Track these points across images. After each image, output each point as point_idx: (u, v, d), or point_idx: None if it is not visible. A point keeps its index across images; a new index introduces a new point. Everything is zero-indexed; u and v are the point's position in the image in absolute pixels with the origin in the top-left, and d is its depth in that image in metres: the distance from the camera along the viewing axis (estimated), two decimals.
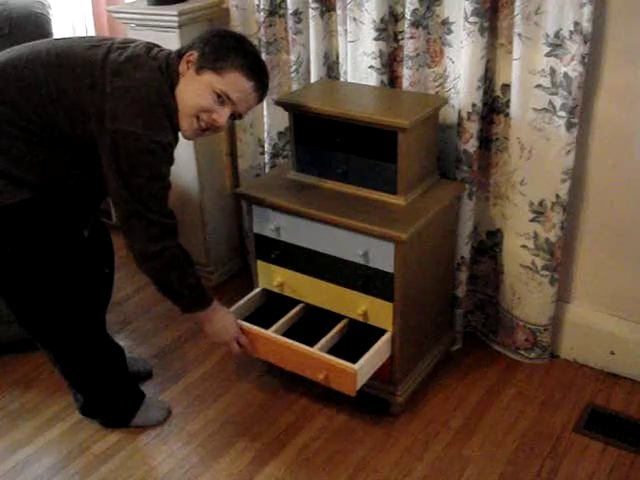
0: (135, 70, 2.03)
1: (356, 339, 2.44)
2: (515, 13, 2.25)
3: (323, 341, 2.38)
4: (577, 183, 2.45)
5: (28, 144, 2.03)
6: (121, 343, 2.51)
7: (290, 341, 2.36)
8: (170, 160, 2.10)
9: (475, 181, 2.54)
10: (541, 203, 2.45)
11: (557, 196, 2.40)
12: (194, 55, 2.09)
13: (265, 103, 2.86)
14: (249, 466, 2.35)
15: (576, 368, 2.70)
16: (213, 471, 2.34)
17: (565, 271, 2.62)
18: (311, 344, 2.35)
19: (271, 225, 2.46)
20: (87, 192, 2.18)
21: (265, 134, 2.96)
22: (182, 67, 2.10)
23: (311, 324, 2.52)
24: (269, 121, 2.91)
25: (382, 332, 2.38)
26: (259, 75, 2.14)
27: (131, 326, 3.07)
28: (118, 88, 1.99)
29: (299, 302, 2.56)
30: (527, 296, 2.61)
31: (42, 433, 2.51)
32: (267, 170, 3.00)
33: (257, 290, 2.65)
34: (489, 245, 2.71)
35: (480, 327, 2.87)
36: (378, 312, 2.36)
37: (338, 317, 2.47)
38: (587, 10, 2.12)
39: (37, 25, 3.01)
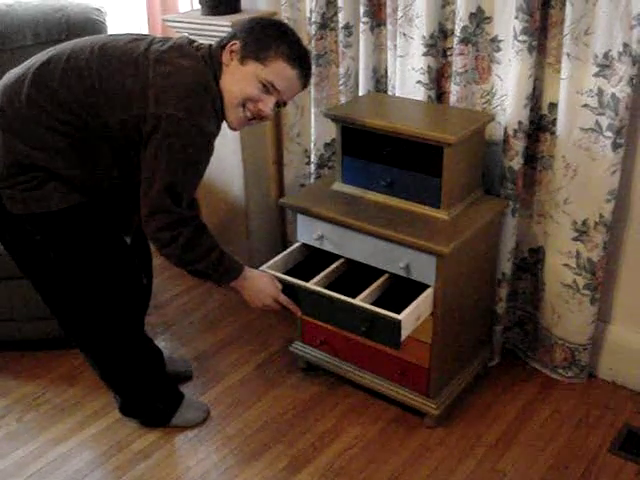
0: (179, 58, 2.04)
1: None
2: (564, 33, 2.27)
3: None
4: (621, 204, 2.45)
5: (68, 137, 2.05)
6: (162, 345, 2.56)
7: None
8: (209, 149, 2.09)
9: (519, 198, 2.55)
10: (584, 222, 2.45)
11: (601, 216, 2.40)
12: (237, 45, 2.08)
13: (313, 114, 2.91)
14: (283, 471, 2.37)
15: (614, 389, 2.68)
16: (248, 474, 2.37)
17: (606, 291, 2.61)
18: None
19: (315, 234, 2.50)
20: (128, 192, 2.19)
21: (312, 145, 3.00)
22: (225, 57, 2.10)
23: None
24: (316, 132, 2.95)
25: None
26: (303, 62, 2.14)
27: (172, 329, 3.11)
28: (161, 74, 2.00)
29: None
30: (567, 315, 2.60)
31: (83, 428, 2.57)
32: (312, 180, 3.04)
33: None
34: (531, 262, 2.71)
35: (518, 344, 2.87)
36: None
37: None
38: (637, 32, 2.13)
39: (93, 32, 3.06)
